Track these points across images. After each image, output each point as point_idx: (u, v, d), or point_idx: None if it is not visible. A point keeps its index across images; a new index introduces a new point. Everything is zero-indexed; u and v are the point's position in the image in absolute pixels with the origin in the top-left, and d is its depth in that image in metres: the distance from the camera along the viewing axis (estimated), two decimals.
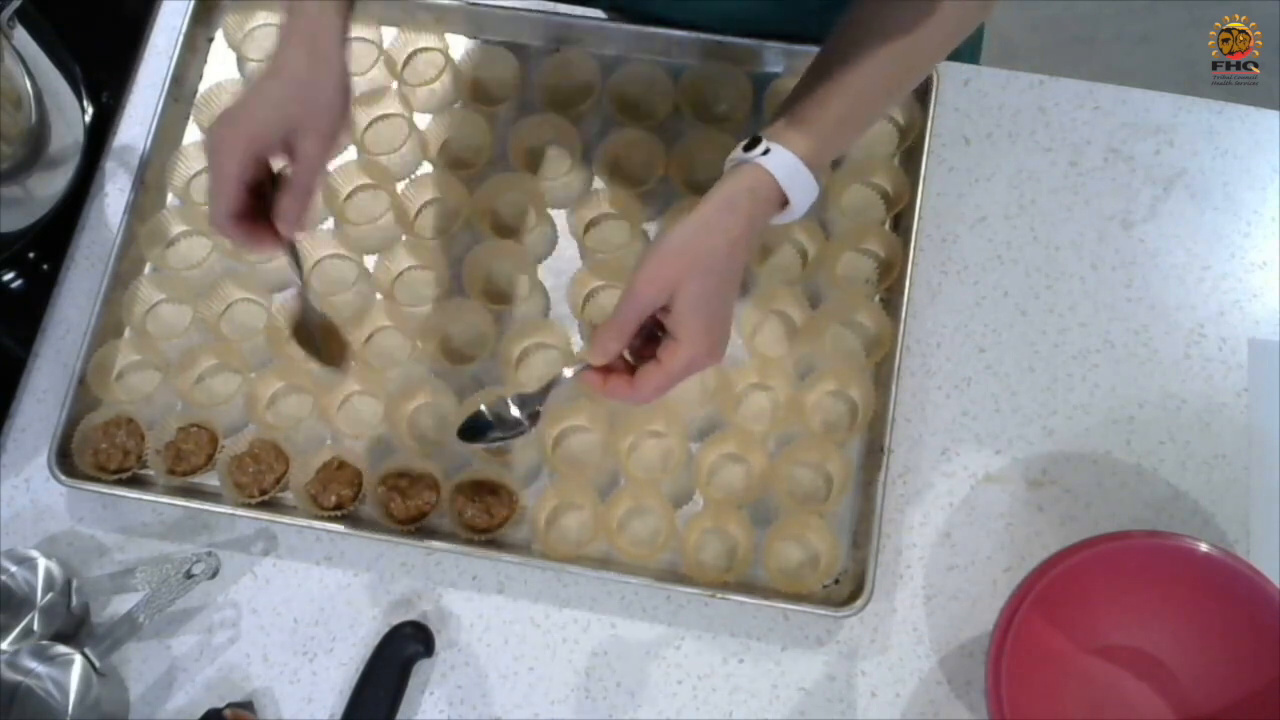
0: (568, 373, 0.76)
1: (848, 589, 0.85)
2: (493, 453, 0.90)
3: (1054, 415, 0.91)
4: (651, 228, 0.95)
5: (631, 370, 0.75)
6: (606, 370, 0.75)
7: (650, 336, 0.75)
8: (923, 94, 0.95)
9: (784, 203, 0.75)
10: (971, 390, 0.92)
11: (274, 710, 0.86)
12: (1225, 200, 0.95)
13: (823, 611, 0.84)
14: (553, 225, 0.97)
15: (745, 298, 0.93)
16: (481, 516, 0.87)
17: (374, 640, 0.86)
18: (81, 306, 0.96)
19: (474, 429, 0.79)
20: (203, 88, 1.01)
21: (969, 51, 1.08)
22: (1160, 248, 0.94)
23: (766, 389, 0.91)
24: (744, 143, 0.75)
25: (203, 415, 0.91)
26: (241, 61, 1.02)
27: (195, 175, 0.99)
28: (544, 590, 0.88)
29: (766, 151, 0.74)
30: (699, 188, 0.95)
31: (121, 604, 0.88)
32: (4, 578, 0.87)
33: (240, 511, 0.88)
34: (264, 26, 1.03)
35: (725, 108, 0.98)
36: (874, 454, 0.88)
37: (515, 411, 0.78)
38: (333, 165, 0.97)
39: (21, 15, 0.92)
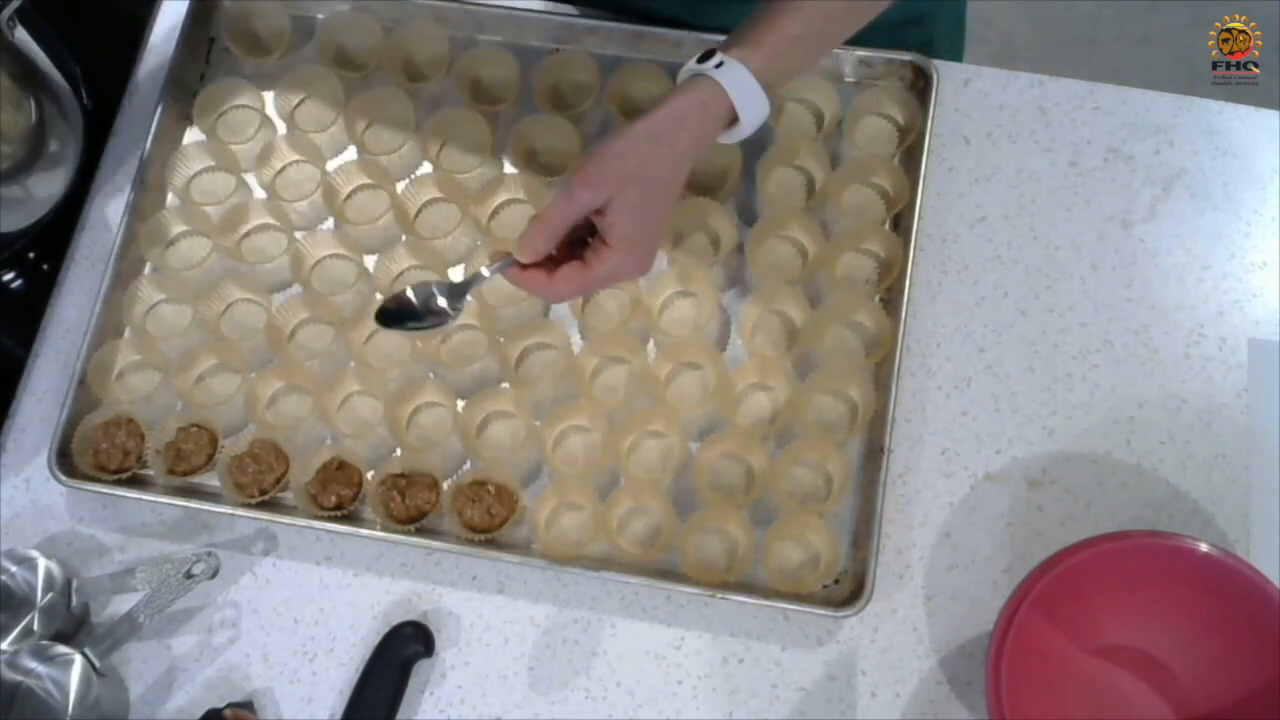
0: (485, 272, 0.77)
1: (848, 589, 0.86)
2: (491, 457, 0.90)
3: (1054, 415, 0.91)
4: None
5: (554, 268, 0.75)
6: (531, 265, 0.75)
7: (577, 241, 0.75)
8: (922, 94, 0.95)
9: (734, 120, 0.75)
10: (971, 390, 0.92)
11: (274, 710, 0.86)
12: (1225, 200, 0.95)
13: (823, 611, 0.84)
14: None
15: (745, 298, 0.93)
16: (481, 516, 0.87)
17: (374, 640, 0.86)
18: (81, 306, 0.96)
19: (396, 315, 0.78)
20: (203, 88, 1.01)
21: (952, 49, 1.07)
22: (1160, 248, 0.94)
23: (766, 389, 0.91)
24: (698, 55, 0.75)
25: (203, 415, 0.91)
26: (241, 62, 1.02)
27: (195, 175, 0.99)
28: (544, 590, 0.88)
29: (720, 65, 0.74)
30: (698, 187, 0.95)
31: (121, 604, 0.88)
32: (4, 578, 0.87)
33: (240, 511, 0.88)
34: (264, 27, 1.03)
35: None
36: (874, 454, 0.88)
37: (442, 301, 0.78)
38: (332, 165, 0.97)
39: (21, 15, 0.92)
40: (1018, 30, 1.95)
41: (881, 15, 0.95)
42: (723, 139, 0.77)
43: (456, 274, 0.94)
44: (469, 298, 0.79)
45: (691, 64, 0.75)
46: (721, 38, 0.95)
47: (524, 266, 0.75)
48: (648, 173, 0.72)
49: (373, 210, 0.97)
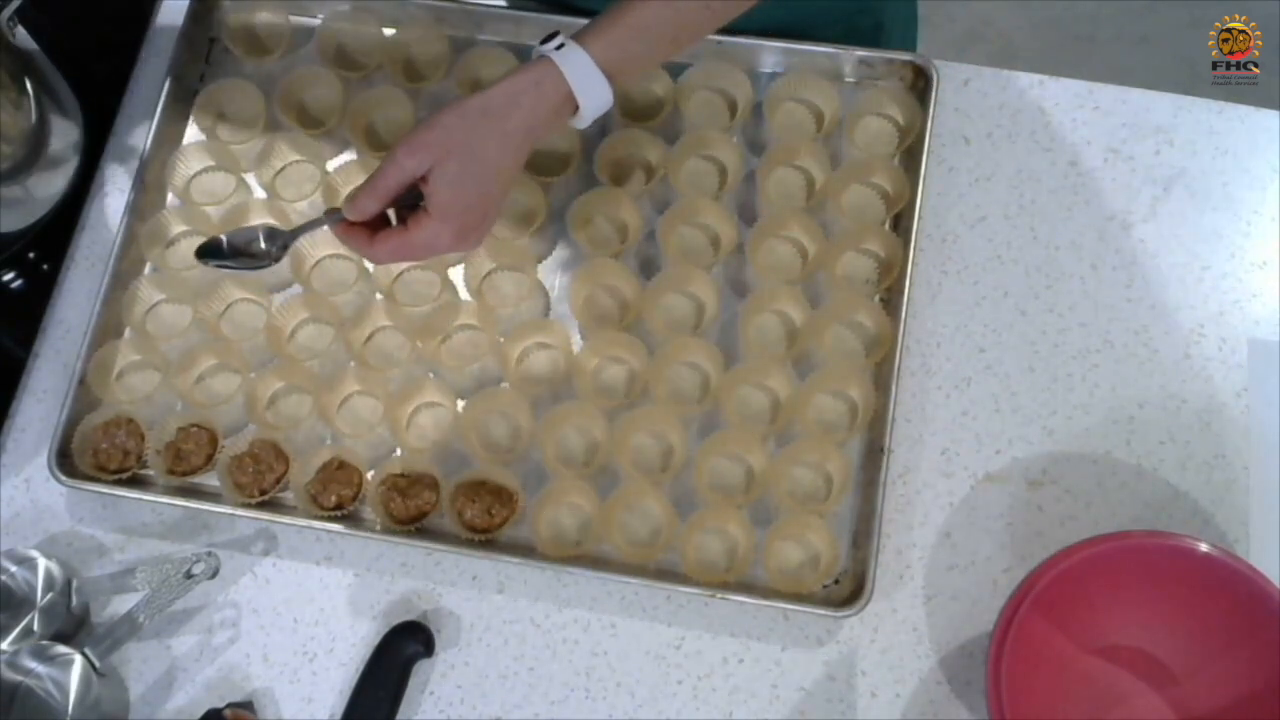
0: (313, 222, 0.80)
1: (848, 589, 0.85)
2: (492, 456, 0.90)
3: (1054, 415, 0.91)
4: (653, 228, 0.95)
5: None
6: (357, 224, 0.77)
7: (413, 207, 0.77)
8: (922, 94, 0.95)
9: (575, 107, 0.76)
10: (971, 390, 0.92)
11: (274, 710, 0.87)
12: (1225, 200, 0.95)
13: (823, 611, 0.84)
14: (553, 225, 0.97)
15: (745, 297, 0.93)
16: (481, 516, 0.87)
17: (374, 640, 0.86)
18: (81, 306, 0.96)
19: (215, 252, 0.81)
20: (203, 88, 1.01)
21: (904, 37, 1.07)
22: (1160, 248, 0.94)
23: (766, 389, 0.91)
24: (543, 37, 0.76)
25: (203, 415, 0.91)
26: (241, 61, 1.02)
27: (195, 175, 0.99)
28: (544, 590, 0.88)
29: (560, 46, 0.75)
30: (699, 187, 0.95)
31: (121, 604, 0.88)
32: (4, 578, 0.87)
33: (240, 511, 0.88)
34: (264, 26, 1.03)
35: (725, 107, 0.98)
36: (874, 454, 0.88)
37: (263, 244, 0.81)
38: (332, 165, 0.97)
39: (21, 15, 0.92)
40: (1018, 30, 1.95)
41: (827, 6, 0.95)
42: (574, 123, 0.78)
43: (458, 273, 0.95)
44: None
45: (538, 46, 0.76)
46: (719, 38, 0.96)
47: (350, 224, 0.78)
48: (471, 147, 0.74)
49: None
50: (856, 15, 0.99)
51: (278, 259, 0.82)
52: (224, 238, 0.81)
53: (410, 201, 0.77)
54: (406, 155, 0.74)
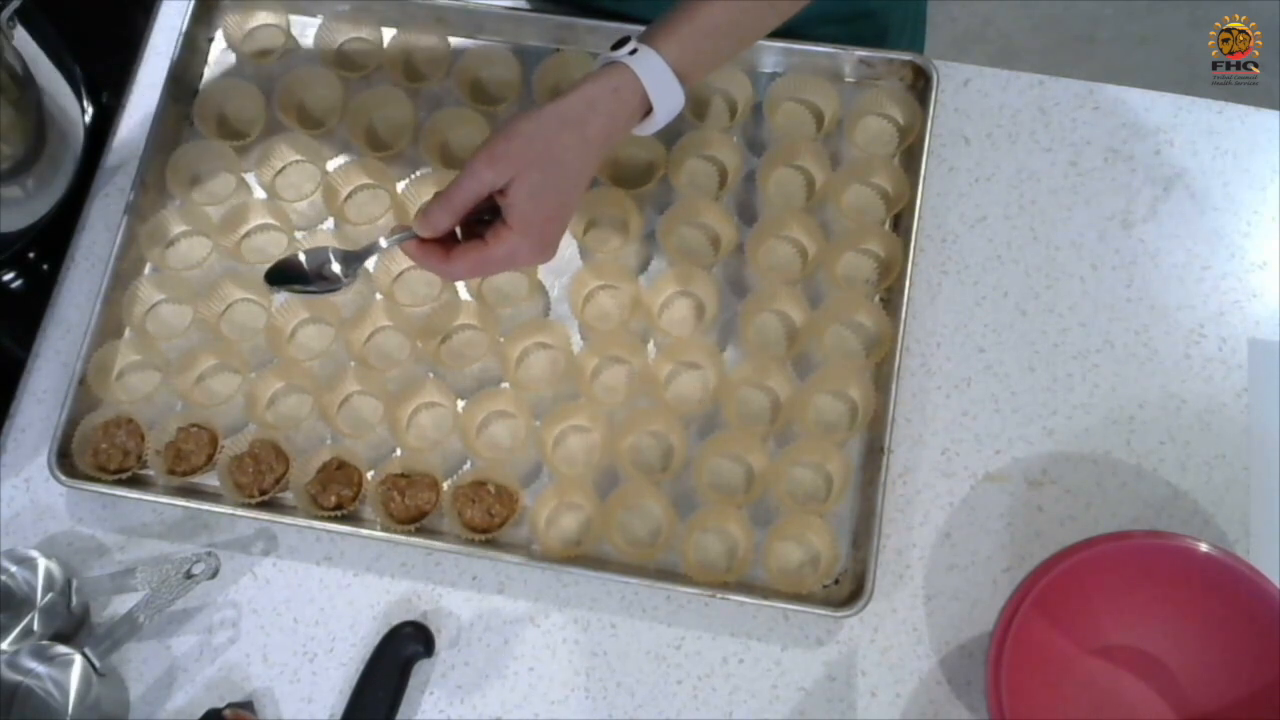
0: (383, 243, 0.76)
1: (848, 589, 0.86)
2: (491, 457, 0.90)
3: (1054, 415, 0.91)
4: (653, 228, 0.95)
5: (454, 245, 0.76)
6: (430, 240, 0.75)
7: (483, 220, 0.75)
8: (922, 94, 0.95)
9: (648, 110, 0.75)
10: (971, 390, 0.92)
11: (274, 710, 0.87)
12: (1225, 200, 0.95)
13: (823, 611, 0.84)
14: None
15: (745, 297, 0.93)
16: (481, 516, 0.87)
17: (374, 640, 0.86)
18: (81, 306, 0.96)
19: (286, 276, 0.79)
20: (203, 88, 1.01)
21: (911, 43, 1.07)
22: (1160, 248, 0.94)
23: (766, 389, 0.91)
24: (614, 43, 0.75)
25: (203, 415, 0.91)
26: (241, 61, 1.02)
27: (195, 175, 0.99)
28: (544, 590, 0.88)
29: (634, 51, 0.73)
30: (699, 187, 0.95)
31: (121, 604, 0.88)
32: (4, 578, 0.87)
33: (240, 511, 0.88)
34: (264, 26, 1.03)
35: (725, 107, 0.98)
36: (874, 454, 0.88)
37: (336, 267, 0.79)
38: (332, 165, 0.97)
39: (21, 15, 0.92)
40: (1018, 30, 1.95)
41: (831, 8, 0.95)
42: (638, 130, 0.77)
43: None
44: (366, 266, 0.81)
45: (607, 52, 0.75)
46: None
47: (423, 241, 0.75)
48: (553, 156, 0.72)
49: (373, 210, 0.97)
50: (860, 18, 0.99)
51: (349, 280, 0.79)
52: (303, 261, 0.79)
53: (476, 215, 0.75)
54: (485, 167, 0.72)
